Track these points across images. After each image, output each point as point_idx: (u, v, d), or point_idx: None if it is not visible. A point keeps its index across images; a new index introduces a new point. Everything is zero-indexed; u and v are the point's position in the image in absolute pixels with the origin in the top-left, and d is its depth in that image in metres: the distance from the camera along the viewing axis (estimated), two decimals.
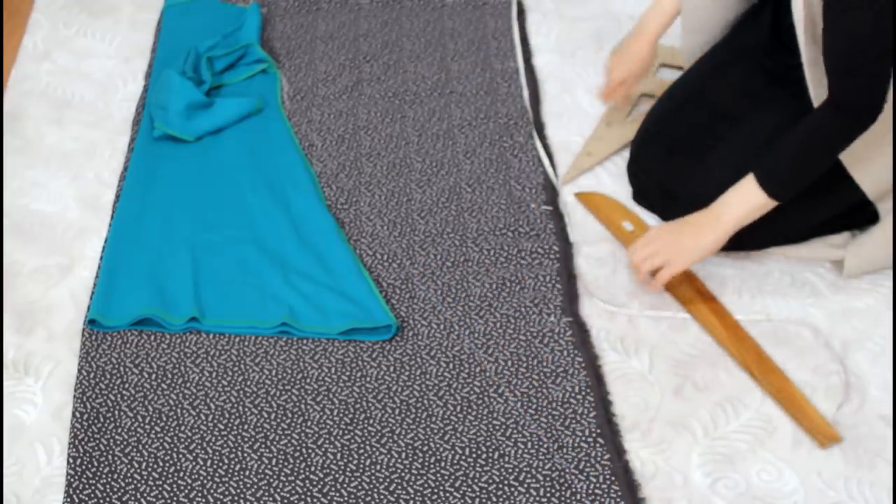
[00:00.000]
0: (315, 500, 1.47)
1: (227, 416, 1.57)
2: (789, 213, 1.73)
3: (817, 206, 1.73)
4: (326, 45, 2.30)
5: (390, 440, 1.54)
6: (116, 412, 1.57)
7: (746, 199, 1.62)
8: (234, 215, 1.89)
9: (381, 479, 1.49)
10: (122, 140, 2.10)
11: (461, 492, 1.47)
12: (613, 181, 1.97)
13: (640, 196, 1.91)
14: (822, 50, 1.55)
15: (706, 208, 1.67)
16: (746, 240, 1.78)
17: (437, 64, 2.23)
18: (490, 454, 1.52)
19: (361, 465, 1.51)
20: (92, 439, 1.53)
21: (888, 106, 1.60)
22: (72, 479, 1.49)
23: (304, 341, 1.68)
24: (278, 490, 1.48)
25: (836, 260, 1.77)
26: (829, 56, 1.54)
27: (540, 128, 2.08)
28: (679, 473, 1.50)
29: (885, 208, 1.74)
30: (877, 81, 1.52)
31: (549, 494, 1.47)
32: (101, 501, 1.47)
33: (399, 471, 1.50)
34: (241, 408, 1.58)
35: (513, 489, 1.48)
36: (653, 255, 1.68)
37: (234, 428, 1.56)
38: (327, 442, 1.54)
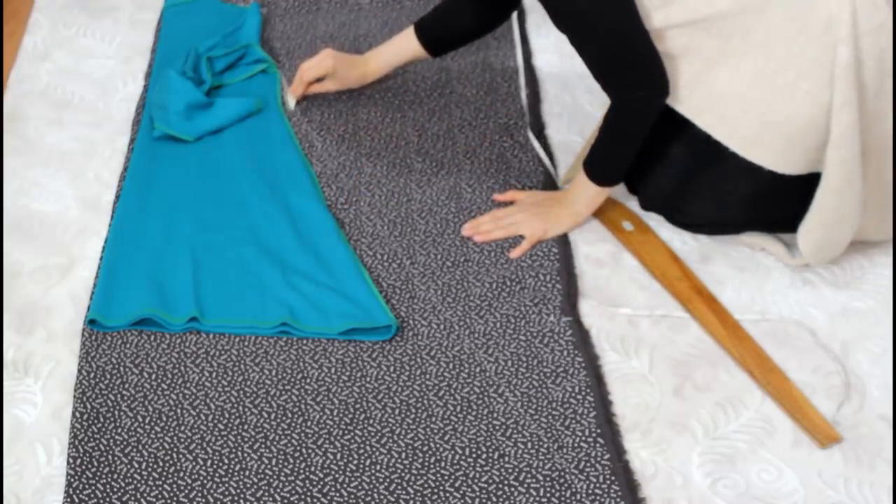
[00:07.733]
0: (315, 500, 1.47)
1: (227, 416, 1.57)
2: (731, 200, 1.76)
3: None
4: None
5: (390, 440, 1.54)
6: (116, 412, 1.57)
7: (586, 189, 1.80)
8: (234, 215, 1.89)
9: (381, 479, 1.49)
10: (122, 140, 2.10)
11: (461, 492, 1.47)
12: None
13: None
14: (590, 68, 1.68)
15: (563, 193, 1.84)
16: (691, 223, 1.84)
17: (437, 64, 2.23)
18: (490, 454, 1.52)
19: (361, 465, 1.51)
20: (92, 439, 1.53)
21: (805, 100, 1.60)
22: (72, 479, 1.49)
23: (304, 341, 1.68)
24: (278, 490, 1.48)
25: (788, 247, 1.78)
26: (596, 75, 1.68)
27: (540, 128, 2.08)
28: (679, 473, 1.50)
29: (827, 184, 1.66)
30: (648, 67, 1.64)
31: (549, 494, 1.46)
32: (101, 501, 1.46)
33: (399, 471, 1.50)
34: (241, 408, 1.58)
35: (513, 489, 1.47)
36: (515, 224, 1.81)
37: (234, 428, 1.56)
38: (327, 442, 1.54)
